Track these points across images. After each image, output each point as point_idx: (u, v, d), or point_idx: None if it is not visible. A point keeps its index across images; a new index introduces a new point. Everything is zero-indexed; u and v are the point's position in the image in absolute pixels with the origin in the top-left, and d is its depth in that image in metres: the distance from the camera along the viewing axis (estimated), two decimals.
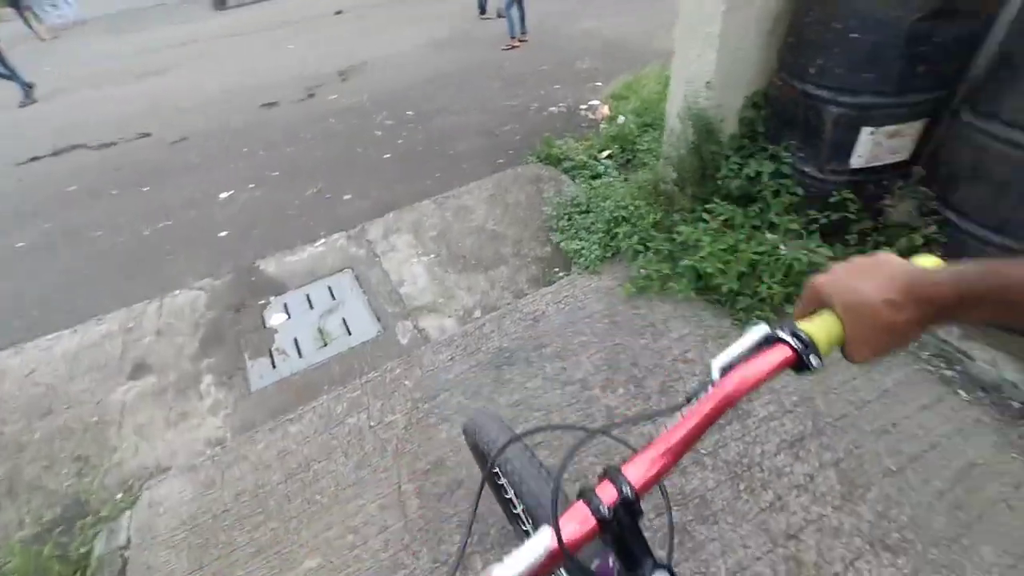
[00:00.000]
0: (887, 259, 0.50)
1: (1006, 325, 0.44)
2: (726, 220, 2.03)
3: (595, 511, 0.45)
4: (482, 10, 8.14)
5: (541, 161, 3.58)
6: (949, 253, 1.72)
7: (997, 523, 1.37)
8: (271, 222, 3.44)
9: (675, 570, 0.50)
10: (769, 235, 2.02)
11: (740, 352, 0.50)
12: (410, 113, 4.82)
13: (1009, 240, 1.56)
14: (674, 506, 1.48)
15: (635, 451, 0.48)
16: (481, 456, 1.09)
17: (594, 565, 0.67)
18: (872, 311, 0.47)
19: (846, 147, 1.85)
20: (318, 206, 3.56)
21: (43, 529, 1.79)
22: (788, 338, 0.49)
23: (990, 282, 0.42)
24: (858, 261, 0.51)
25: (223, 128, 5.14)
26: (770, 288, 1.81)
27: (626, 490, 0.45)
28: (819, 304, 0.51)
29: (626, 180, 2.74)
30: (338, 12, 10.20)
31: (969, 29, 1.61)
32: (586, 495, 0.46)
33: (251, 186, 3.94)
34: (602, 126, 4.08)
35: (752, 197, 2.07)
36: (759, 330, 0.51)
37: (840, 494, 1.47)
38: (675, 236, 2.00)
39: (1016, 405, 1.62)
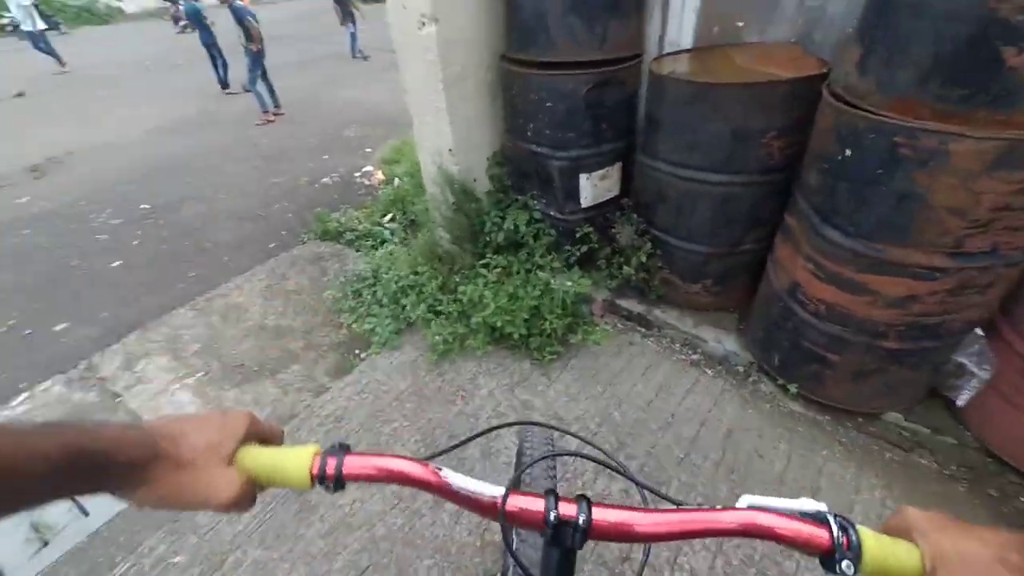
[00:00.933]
0: (1003, 530, 0.43)
1: None
2: (503, 269, 2.16)
3: (546, 510, 0.47)
4: (223, 85, 7.51)
5: (319, 238, 3.35)
6: (664, 262, 2.15)
7: (755, 471, 1.69)
8: None
9: None
10: (541, 274, 2.22)
11: (776, 506, 0.47)
12: (145, 207, 4.04)
13: (699, 246, 2.01)
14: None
15: (617, 505, 0.48)
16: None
17: (516, 543, 0.69)
18: (978, 566, 0.40)
19: (574, 191, 2.18)
20: (13, 347, 2.63)
21: None
22: (835, 527, 0.44)
23: None
24: (965, 522, 0.44)
25: None
26: (552, 323, 1.97)
27: (582, 520, 0.46)
28: (900, 533, 0.45)
29: (407, 246, 2.73)
30: (19, 94, 8.21)
31: (627, 95, 2.09)
32: (550, 496, 0.49)
33: None
34: (380, 190, 4.07)
35: (519, 244, 2.27)
36: (809, 503, 0.46)
37: (650, 496, 1.62)
38: (460, 297, 2.05)
39: (740, 368, 2.06)
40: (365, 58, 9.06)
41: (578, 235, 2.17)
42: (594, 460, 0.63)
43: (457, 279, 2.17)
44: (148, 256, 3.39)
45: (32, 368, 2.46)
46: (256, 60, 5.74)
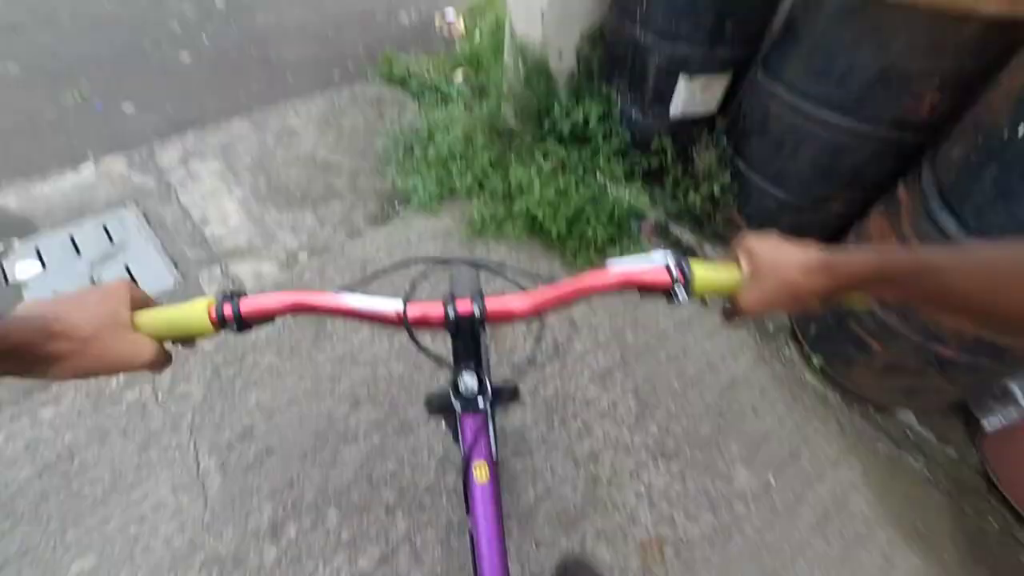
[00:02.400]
0: (814, 243, 0.52)
1: (898, 301, 0.47)
2: (560, 161, 2.02)
3: (445, 312, 0.55)
4: None
5: (384, 79, 3.18)
6: (740, 200, 1.96)
7: (744, 424, 1.70)
8: (10, 140, 2.57)
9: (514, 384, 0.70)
10: (599, 176, 2.07)
11: (636, 264, 0.58)
12: (218, 4, 3.86)
13: (781, 192, 1.80)
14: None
15: (504, 294, 0.57)
16: None
17: (427, 342, 0.77)
18: (782, 269, 0.51)
19: (667, 93, 1.92)
20: (85, 118, 2.74)
21: None
22: (672, 267, 0.56)
23: (909, 267, 0.44)
24: (788, 239, 0.54)
25: None
26: (595, 230, 1.89)
27: (476, 308, 0.56)
28: (733, 254, 0.57)
29: (469, 111, 2.56)
30: None
31: None
32: (447, 300, 0.56)
33: None
34: (457, 41, 3.74)
35: (585, 138, 2.08)
36: (660, 254, 0.58)
37: (635, 415, 1.68)
38: (509, 177, 1.95)
39: (770, 327, 1.98)
40: None
41: (652, 146, 1.96)
42: (477, 265, 0.71)
43: (512, 158, 2.05)
44: (215, 56, 3.32)
45: (99, 140, 2.58)
46: None
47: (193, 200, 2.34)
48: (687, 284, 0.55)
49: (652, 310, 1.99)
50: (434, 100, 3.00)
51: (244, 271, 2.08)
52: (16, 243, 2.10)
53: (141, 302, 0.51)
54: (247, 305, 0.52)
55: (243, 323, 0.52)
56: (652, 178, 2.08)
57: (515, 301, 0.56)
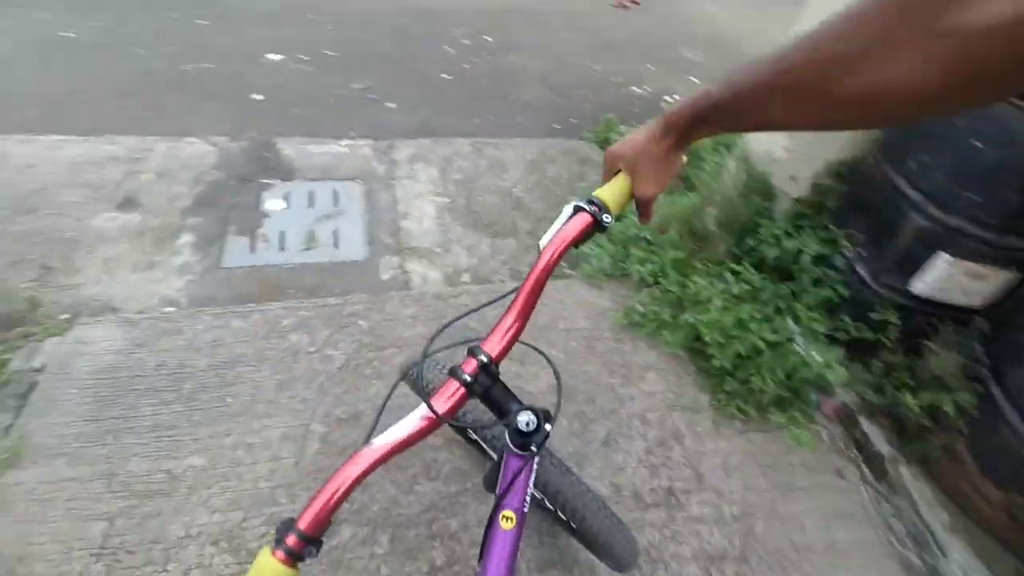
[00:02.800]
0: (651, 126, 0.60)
1: (734, 131, 0.53)
2: (751, 288, 1.83)
3: (460, 381, 0.57)
4: None
5: (597, 142, 3.31)
6: (977, 435, 1.51)
7: None
8: (307, 104, 3.28)
9: (552, 415, 0.69)
10: (790, 322, 1.82)
11: (557, 227, 0.62)
12: (488, 39, 4.47)
13: None
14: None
15: (487, 334, 0.61)
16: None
17: (470, 419, 0.88)
18: (644, 151, 0.59)
19: (914, 264, 1.60)
20: (360, 104, 3.38)
21: None
22: (585, 206, 0.62)
23: (716, 99, 0.49)
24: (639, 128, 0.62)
25: None
26: (764, 382, 1.63)
27: (482, 357, 0.58)
28: (614, 168, 0.65)
29: (669, 194, 2.50)
30: None
31: None
32: (454, 371, 0.58)
33: (304, 58, 3.74)
34: None
35: (789, 274, 1.85)
36: (567, 208, 0.63)
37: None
38: (688, 285, 1.81)
39: None
40: None
41: (875, 316, 1.65)
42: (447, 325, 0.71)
43: (696, 264, 1.92)
44: (469, 82, 3.84)
45: (363, 124, 3.15)
46: None
47: (405, 194, 2.68)
48: (606, 211, 0.62)
49: (799, 506, 1.61)
50: None
51: (415, 270, 2.29)
52: (278, 183, 2.64)
53: None
54: (308, 521, 0.48)
55: (317, 542, 0.48)
56: (859, 351, 1.74)
57: (506, 326, 0.60)
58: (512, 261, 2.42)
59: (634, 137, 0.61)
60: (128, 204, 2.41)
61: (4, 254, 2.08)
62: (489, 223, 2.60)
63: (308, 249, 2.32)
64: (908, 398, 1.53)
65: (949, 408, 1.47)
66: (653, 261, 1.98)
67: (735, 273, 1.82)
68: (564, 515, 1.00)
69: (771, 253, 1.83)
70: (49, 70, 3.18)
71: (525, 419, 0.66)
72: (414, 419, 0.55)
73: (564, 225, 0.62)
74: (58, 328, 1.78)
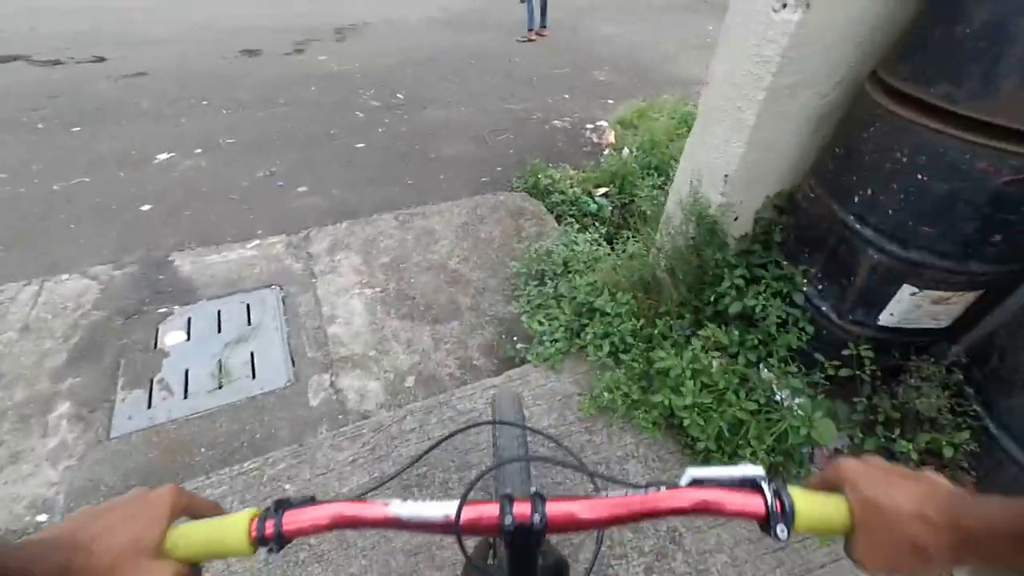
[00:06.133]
0: (931, 475, 0.43)
1: None
2: (720, 351, 1.66)
3: (501, 515, 0.48)
4: None
5: (527, 190, 3.15)
6: (982, 468, 1.39)
7: None
8: (207, 203, 2.95)
9: None
10: (765, 372, 1.66)
11: (719, 477, 0.47)
12: (400, 96, 4.30)
13: None
14: None
15: (572, 496, 0.49)
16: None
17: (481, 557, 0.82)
18: (898, 519, 0.40)
19: (878, 299, 1.48)
20: (267, 194, 3.08)
21: None
22: (768, 493, 0.44)
23: None
24: (898, 467, 0.44)
25: (190, 70, 4.55)
26: (755, 453, 1.46)
27: (536, 519, 0.47)
28: (833, 487, 0.45)
29: (612, 251, 2.34)
30: None
31: None
32: (505, 501, 0.49)
33: (198, 151, 3.42)
34: (605, 153, 3.67)
35: (753, 321, 1.70)
36: (750, 469, 0.47)
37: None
38: (652, 357, 1.63)
39: None
40: None
41: (847, 352, 1.51)
42: (545, 461, 0.75)
43: (660, 324, 1.73)
44: (384, 147, 3.62)
45: (273, 218, 2.85)
46: None
47: (328, 293, 2.39)
48: (787, 518, 0.43)
49: None
50: (574, 214, 2.89)
51: (350, 386, 2.00)
52: (177, 310, 2.29)
53: (184, 509, 0.48)
54: (292, 520, 0.47)
55: (283, 540, 0.47)
56: (841, 388, 1.60)
57: (582, 507, 0.48)
58: (458, 349, 2.17)
59: (890, 487, 0.41)
60: None
61: None
62: (426, 307, 2.35)
63: (219, 388, 1.98)
64: (903, 443, 1.39)
65: (948, 452, 1.34)
66: (611, 335, 1.79)
67: (700, 337, 1.65)
68: None
69: (734, 309, 1.67)
70: None
71: None
72: (436, 508, 0.48)
73: (731, 487, 0.46)
74: None
